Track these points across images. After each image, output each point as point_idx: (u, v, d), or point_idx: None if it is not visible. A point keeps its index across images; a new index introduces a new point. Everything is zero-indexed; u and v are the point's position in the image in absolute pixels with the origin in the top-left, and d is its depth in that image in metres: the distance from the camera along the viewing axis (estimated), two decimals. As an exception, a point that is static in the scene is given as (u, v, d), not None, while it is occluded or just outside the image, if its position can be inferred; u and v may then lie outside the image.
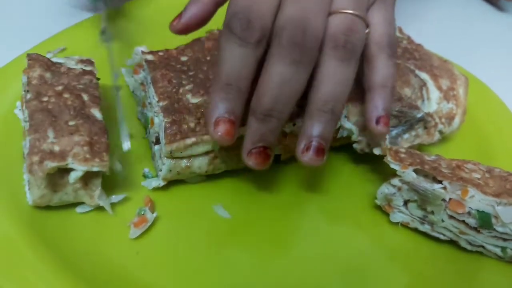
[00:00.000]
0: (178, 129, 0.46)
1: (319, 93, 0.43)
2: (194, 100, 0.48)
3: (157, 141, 0.48)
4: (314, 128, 0.43)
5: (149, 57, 0.51)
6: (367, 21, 0.45)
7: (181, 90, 0.49)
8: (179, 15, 0.48)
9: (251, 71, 0.41)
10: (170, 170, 0.47)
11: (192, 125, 0.46)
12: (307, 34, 0.40)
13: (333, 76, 0.42)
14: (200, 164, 0.48)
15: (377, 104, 0.46)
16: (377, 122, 0.46)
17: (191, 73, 0.51)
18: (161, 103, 0.47)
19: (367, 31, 0.45)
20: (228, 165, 0.49)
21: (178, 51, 0.53)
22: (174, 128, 0.46)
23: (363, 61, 0.47)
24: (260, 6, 0.41)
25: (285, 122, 0.43)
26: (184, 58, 0.52)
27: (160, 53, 0.52)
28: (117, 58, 0.53)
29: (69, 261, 0.41)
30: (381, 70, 0.46)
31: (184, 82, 0.50)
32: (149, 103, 0.51)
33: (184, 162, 0.47)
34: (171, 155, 0.46)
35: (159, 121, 0.47)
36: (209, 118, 0.42)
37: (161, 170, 0.47)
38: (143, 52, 0.52)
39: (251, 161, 0.43)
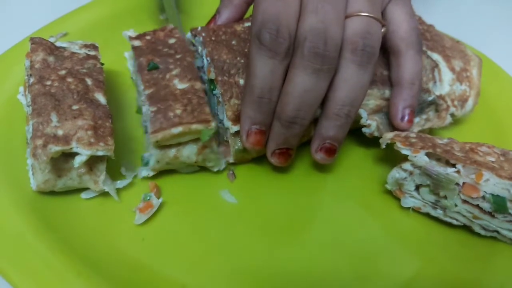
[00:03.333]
0: (163, 118, 0.44)
1: (336, 97, 0.44)
2: (181, 85, 0.47)
3: (147, 129, 0.47)
4: (329, 131, 0.45)
5: (136, 43, 0.49)
6: (382, 22, 0.45)
7: (167, 76, 0.47)
8: (214, 19, 0.52)
9: (281, 81, 0.43)
10: (158, 161, 0.46)
11: (178, 112, 0.45)
12: (328, 43, 0.41)
13: (351, 82, 0.43)
14: (189, 153, 0.46)
15: (405, 101, 0.48)
16: (402, 118, 0.48)
17: (178, 56, 0.49)
18: (147, 91, 0.46)
19: (382, 30, 0.45)
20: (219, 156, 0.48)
21: (165, 33, 0.51)
22: (159, 117, 0.44)
23: (386, 54, 0.48)
24: (287, 14, 0.42)
25: (307, 126, 0.45)
26: (172, 41, 0.50)
27: (148, 37, 0.50)
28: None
29: (74, 247, 0.41)
30: (409, 67, 0.48)
31: (171, 67, 0.48)
32: (138, 92, 0.50)
33: (172, 152, 0.45)
34: (158, 144, 0.45)
35: (146, 110, 0.46)
36: (242, 128, 0.45)
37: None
38: (130, 38, 0.50)
39: (273, 160, 0.47)
